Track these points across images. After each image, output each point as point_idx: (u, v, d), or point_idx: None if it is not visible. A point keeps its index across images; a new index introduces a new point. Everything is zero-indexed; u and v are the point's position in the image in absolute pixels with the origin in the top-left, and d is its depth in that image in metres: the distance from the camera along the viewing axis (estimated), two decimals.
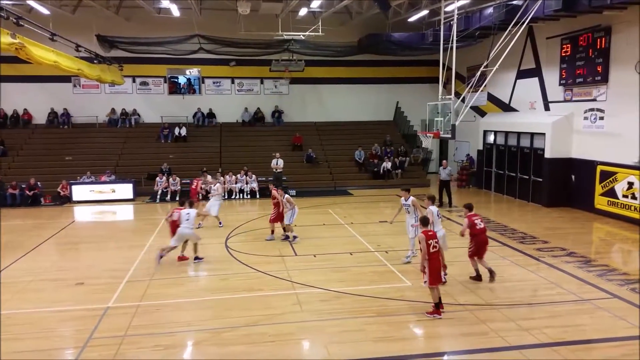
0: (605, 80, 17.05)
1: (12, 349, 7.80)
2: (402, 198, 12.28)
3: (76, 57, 18.91)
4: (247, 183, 22.25)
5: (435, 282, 8.84)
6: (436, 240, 8.96)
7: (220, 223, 16.25)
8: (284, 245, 13.93)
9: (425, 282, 8.89)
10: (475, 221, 10.56)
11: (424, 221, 9.38)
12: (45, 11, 20.93)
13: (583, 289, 10.32)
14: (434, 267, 8.81)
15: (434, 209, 11.19)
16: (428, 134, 19.02)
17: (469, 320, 8.79)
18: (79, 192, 21.51)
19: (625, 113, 16.38)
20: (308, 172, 25.00)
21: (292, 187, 23.11)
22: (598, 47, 17.16)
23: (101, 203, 21.19)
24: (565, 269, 11.57)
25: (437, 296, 8.91)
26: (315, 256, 12.81)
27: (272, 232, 14.73)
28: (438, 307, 8.91)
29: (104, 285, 10.75)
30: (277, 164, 22.60)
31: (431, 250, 8.80)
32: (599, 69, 17.16)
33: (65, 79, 25.22)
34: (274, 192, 14.61)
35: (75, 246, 14.55)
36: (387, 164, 25.10)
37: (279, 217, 14.35)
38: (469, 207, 10.87)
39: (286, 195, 14.33)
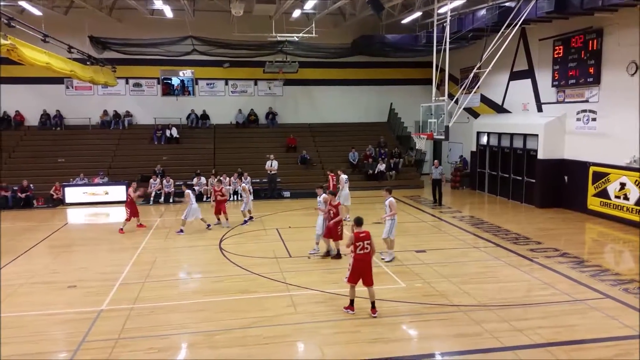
0: (597, 81, 17.16)
1: (4, 353, 7.73)
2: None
3: (69, 58, 18.80)
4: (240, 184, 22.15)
5: (353, 281, 8.94)
6: (368, 242, 8.93)
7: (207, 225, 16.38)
8: (278, 247, 13.92)
9: (346, 277, 9.04)
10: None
11: (358, 221, 9.39)
12: (37, 12, 20.80)
13: (576, 289, 10.37)
14: (356, 267, 8.87)
15: (344, 177, 16.80)
16: (422, 135, 19.09)
17: (463, 321, 8.81)
18: (72, 194, 21.39)
19: (617, 114, 16.50)
20: (302, 174, 24.97)
21: (286, 188, 23.14)
22: (590, 48, 17.27)
23: (94, 205, 21.07)
24: (558, 270, 11.63)
25: (353, 294, 9.06)
26: (309, 257, 12.79)
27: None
28: (352, 304, 9.12)
29: (96, 288, 10.68)
30: (271, 165, 22.56)
31: (357, 251, 8.88)
32: (591, 70, 17.26)
33: (57, 80, 25.05)
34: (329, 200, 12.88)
35: (68, 249, 14.45)
36: (381, 166, 25.13)
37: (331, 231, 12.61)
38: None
39: (242, 184, 17.01)
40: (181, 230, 15.77)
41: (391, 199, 12.41)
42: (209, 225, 16.32)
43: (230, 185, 22.18)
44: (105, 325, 8.77)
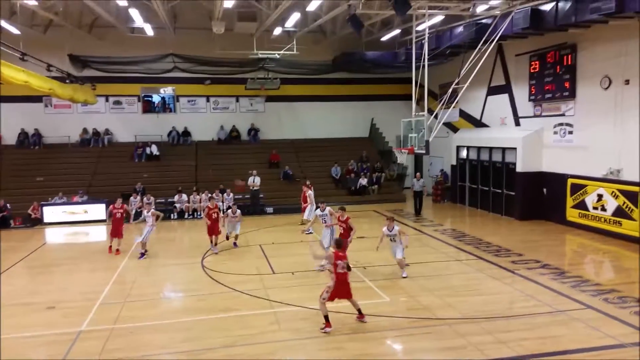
0: (572, 95, 17.57)
1: None
2: (385, 227, 12.26)
3: (48, 76, 18.61)
4: (222, 201, 21.99)
5: (331, 300, 9.10)
6: (346, 262, 9.19)
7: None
8: (262, 264, 13.82)
9: (324, 298, 9.07)
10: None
11: (338, 243, 9.66)
12: (15, 31, 20.59)
13: (558, 300, 10.48)
14: (337, 286, 9.07)
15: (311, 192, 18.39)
16: (403, 150, 19.23)
17: (448, 334, 8.83)
18: (51, 213, 20.98)
19: (592, 127, 16.87)
20: (285, 190, 24.93)
21: (269, 204, 23.06)
22: (565, 63, 17.71)
23: (73, 224, 20.70)
24: (540, 281, 11.75)
25: (325, 310, 9.06)
26: (293, 274, 12.72)
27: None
28: (327, 319, 9.06)
29: (76, 309, 10.45)
30: (253, 181, 22.51)
31: (338, 270, 9.10)
32: (567, 84, 17.68)
33: (36, 98, 24.72)
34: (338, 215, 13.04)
35: (46, 269, 14.15)
36: (363, 180, 25.23)
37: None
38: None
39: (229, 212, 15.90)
40: (143, 253, 14.83)
41: (397, 227, 12.25)
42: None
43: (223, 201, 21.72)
44: (85, 346, 8.57)
